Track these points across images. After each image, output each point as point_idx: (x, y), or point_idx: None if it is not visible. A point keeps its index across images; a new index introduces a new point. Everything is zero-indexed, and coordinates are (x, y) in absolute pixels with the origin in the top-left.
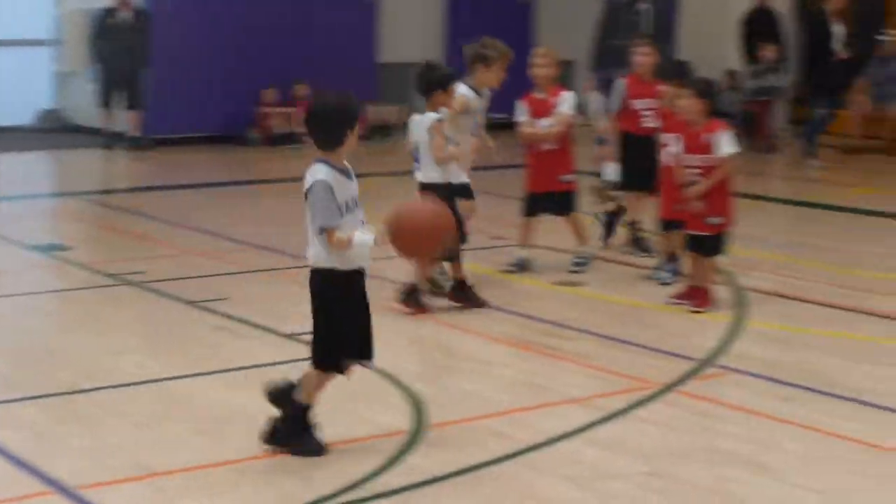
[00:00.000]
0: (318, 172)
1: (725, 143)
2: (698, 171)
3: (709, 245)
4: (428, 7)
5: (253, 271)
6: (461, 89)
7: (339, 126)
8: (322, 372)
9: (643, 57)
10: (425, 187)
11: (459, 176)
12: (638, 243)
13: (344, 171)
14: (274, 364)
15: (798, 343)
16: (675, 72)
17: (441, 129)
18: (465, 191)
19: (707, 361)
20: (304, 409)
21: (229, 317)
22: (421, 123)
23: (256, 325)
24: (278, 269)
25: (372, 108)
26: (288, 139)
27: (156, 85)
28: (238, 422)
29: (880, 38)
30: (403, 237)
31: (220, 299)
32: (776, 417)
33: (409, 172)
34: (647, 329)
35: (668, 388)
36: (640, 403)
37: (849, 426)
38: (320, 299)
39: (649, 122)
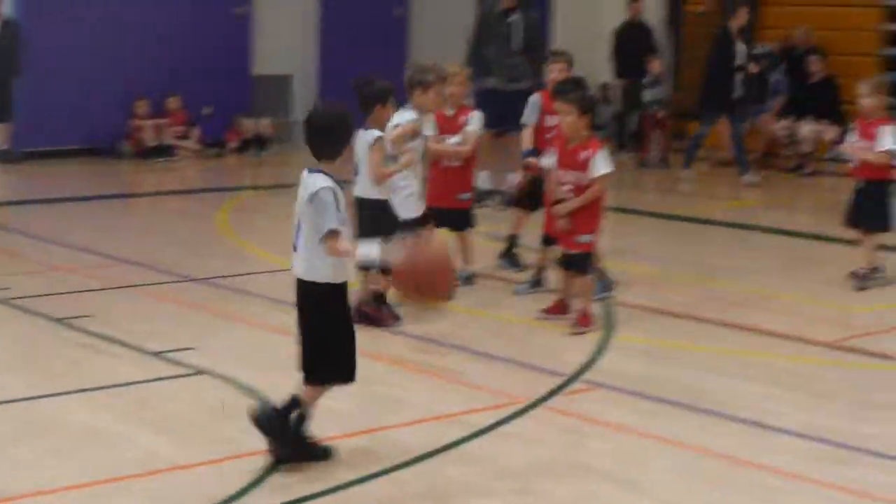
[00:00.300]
0: (320, 181)
1: (601, 163)
2: (571, 188)
3: (577, 263)
4: (302, 19)
5: (121, 287)
6: (407, 115)
7: (341, 138)
8: (321, 386)
9: (558, 73)
10: (360, 202)
11: (409, 211)
12: (511, 258)
13: (339, 183)
14: (137, 383)
15: (667, 358)
16: (569, 88)
17: (380, 147)
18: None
19: (575, 377)
20: (302, 421)
21: (94, 334)
22: (362, 139)
23: (121, 343)
24: (146, 284)
25: (247, 121)
26: (160, 151)
27: (26, 97)
28: (97, 443)
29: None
30: (415, 279)
31: (86, 316)
32: (643, 433)
33: (290, 185)
34: (516, 344)
35: (536, 403)
36: (507, 419)
37: (716, 441)
38: (320, 314)
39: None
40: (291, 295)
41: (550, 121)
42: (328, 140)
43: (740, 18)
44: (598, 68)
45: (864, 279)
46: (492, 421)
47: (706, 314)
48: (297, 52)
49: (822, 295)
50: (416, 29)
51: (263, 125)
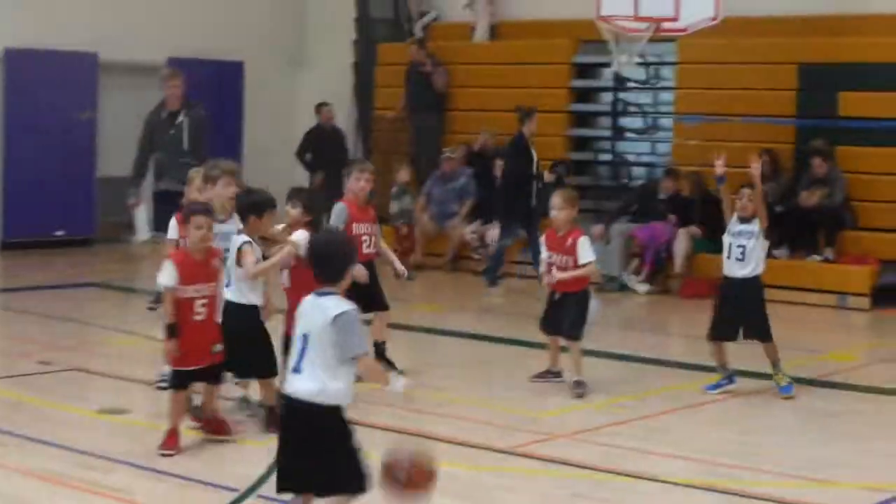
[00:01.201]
0: (341, 303)
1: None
2: (205, 299)
3: (215, 373)
4: None
5: None
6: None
7: (344, 262)
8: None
9: (364, 183)
10: (239, 308)
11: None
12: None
13: None
14: None
15: None
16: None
17: (251, 250)
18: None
19: (250, 492)
20: None
21: None
22: (232, 243)
23: None
24: None
25: None
26: None
27: None
28: None
29: (443, 156)
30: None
31: None
32: None
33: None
34: (189, 459)
35: None
36: None
37: None
38: (332, 433)
39: (369, 248)
40: None
41: (358, 228)
42: (333, 265)
43: (533, 124)
44: (289, 171)
45: (575, 385)
46: None
47: (384, 421)
48: None
49: (505, 400)
50: (104, 132)
51: None
